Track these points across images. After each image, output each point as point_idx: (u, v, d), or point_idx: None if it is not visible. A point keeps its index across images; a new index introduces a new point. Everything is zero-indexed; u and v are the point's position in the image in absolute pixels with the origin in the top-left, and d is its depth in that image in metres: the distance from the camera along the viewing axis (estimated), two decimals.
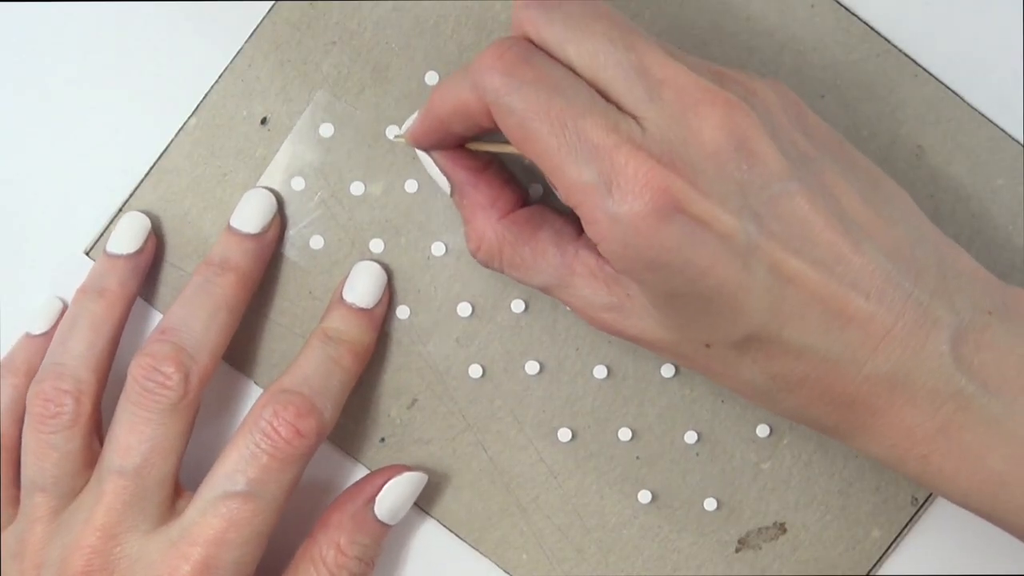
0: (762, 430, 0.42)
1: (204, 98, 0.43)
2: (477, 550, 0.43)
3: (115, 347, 0.42)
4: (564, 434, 0.43)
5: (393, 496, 0.41)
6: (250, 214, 0.42)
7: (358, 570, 0.40)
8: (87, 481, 0.40)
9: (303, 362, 0.40)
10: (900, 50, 0.42)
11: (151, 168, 0.43)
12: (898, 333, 0.34)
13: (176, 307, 0.41)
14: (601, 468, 0.43)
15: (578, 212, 0.34)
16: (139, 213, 0.42)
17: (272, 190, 0.42)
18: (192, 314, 0.40)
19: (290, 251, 0.43)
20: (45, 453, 0.40)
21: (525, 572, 0.43)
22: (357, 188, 0.42)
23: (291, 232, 0.43)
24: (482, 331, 0.43)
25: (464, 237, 0.39)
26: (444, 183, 0.39)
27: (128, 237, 0.42)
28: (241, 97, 0.43)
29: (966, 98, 0.42)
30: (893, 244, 0.35)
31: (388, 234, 0.43)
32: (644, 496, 0.43)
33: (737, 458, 0.43)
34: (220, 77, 0.43)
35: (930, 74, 0.42)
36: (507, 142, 0.37)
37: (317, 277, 0.43)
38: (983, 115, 0.42)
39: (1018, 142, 0.42)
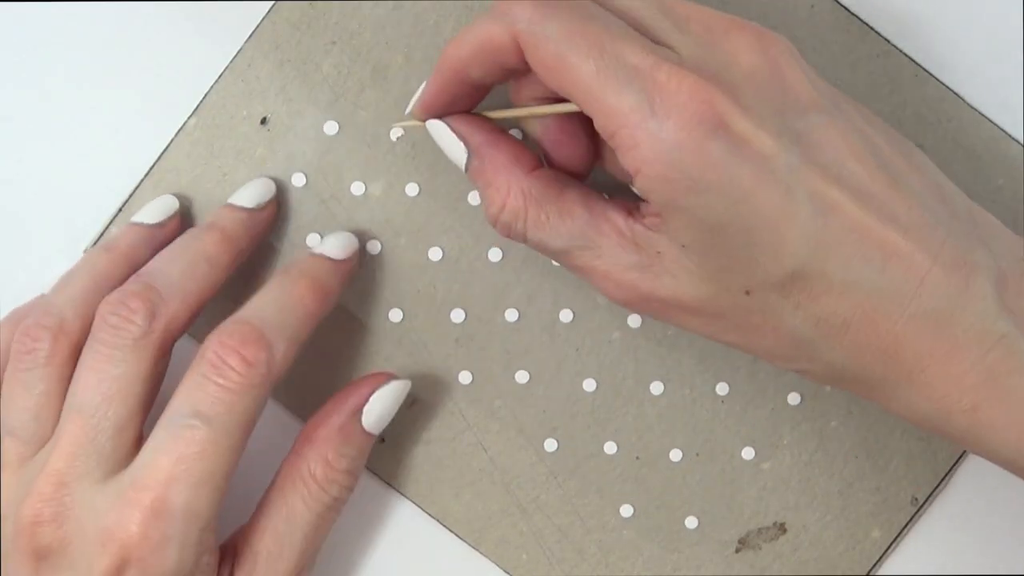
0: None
1: (204, 98, 0.43)
2: (477, 550, 0.43)
3: None
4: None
5: (381, 405, 0.40)
6: (246, 193, 0.41)
7: (346, 483, 0.39)
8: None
9: (259, 295, 0.39)
10: (900, 50, 0.42)
11: (151, 168, 0.43)
12: (938, 272, 0.33)
13: (156, 257, 0.40)
14: (601, 468, 0.43)
15: (616, 141, 0.33)
16: (172, 196, 0.42)
17: (273, 179, 0.42)
18: (170, 262, 0.39)
19: (289, 251, 0.43)
20: (17, 392, 0.38)
21: (525, 572, 0.43)
22: (357, 188, 0.42)
23: (290, 231, 0.43)
24: (481, 332, 0.43)
25: (483, 205, 0.38)
26: (459, 151, 0.38)
27: (153, 210, 0.41)
28: (241, 97, 0.43)
29: (966, 98, 0.42)
30: (925, 186, 0.34)
31: (387, 235, 0.43)
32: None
33: (737, 458, 0.43)
34: (220, 77, 0.43)
35: (930, 74, 0.42)
36: (519, 108, 0.37)
37: None
38: (983, 115, 0.42)
39: (1018, 142, 0.42)
